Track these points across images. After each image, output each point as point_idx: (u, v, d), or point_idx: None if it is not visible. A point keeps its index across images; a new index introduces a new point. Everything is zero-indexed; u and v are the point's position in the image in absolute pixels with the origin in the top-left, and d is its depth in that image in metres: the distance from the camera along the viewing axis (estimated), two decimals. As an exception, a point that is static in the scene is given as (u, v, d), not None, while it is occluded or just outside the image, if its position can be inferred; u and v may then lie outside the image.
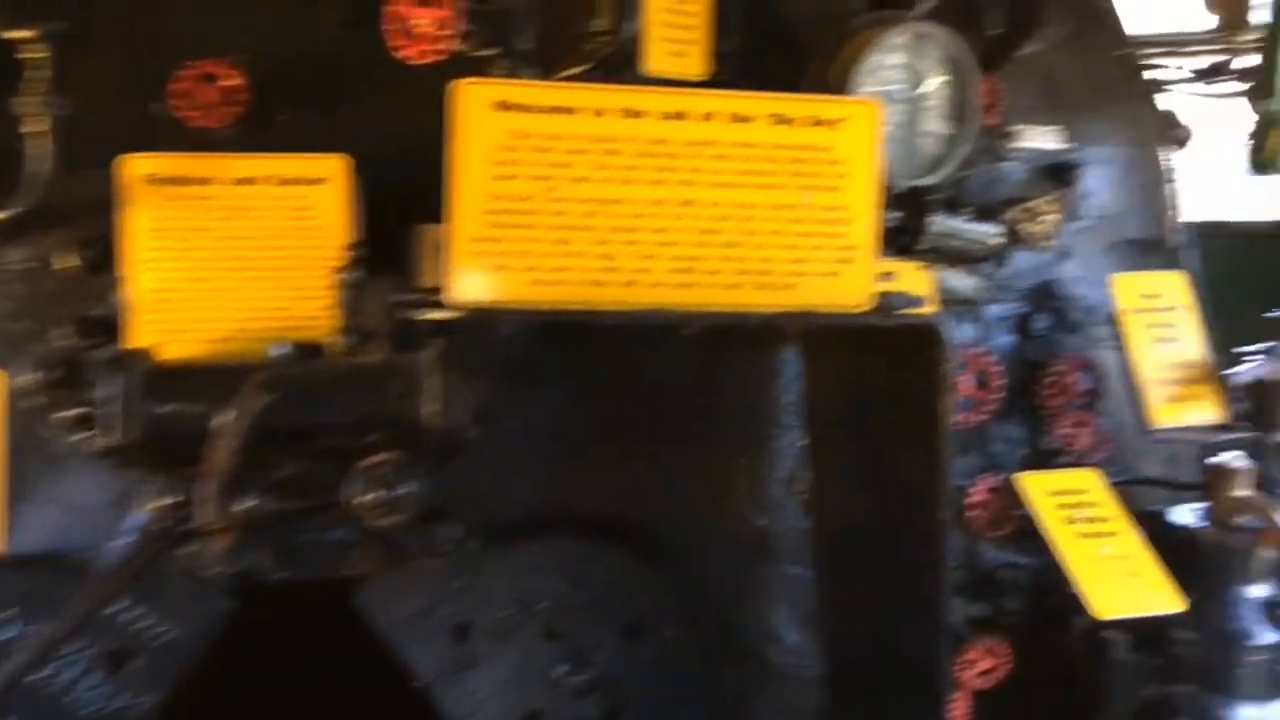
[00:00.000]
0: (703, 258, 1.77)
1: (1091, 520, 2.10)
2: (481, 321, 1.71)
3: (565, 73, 1.92)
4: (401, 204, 1.84)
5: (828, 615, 2.24)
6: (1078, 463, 2.28)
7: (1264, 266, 3.02)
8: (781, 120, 1.77)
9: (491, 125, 1.65)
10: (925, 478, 1.92)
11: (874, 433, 2.09)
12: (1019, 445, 2.38)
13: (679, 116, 1.74)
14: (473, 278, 1.68)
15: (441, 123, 1.66)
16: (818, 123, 1.79)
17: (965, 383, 2.25)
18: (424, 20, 1.84)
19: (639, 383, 2.12)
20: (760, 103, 1.77)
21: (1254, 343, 2.41)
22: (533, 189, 1.69)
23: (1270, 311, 2.46)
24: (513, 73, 1.82)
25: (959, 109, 2.17)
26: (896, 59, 2.12)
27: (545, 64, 1.89)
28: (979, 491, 2.25)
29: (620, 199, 1.73)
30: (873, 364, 2.04)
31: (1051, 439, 2.34)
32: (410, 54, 1.90)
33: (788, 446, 2.25)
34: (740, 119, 1.76)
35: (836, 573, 2.24)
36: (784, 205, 1.79)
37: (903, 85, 2.13)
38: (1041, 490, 2.13)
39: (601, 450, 2.12)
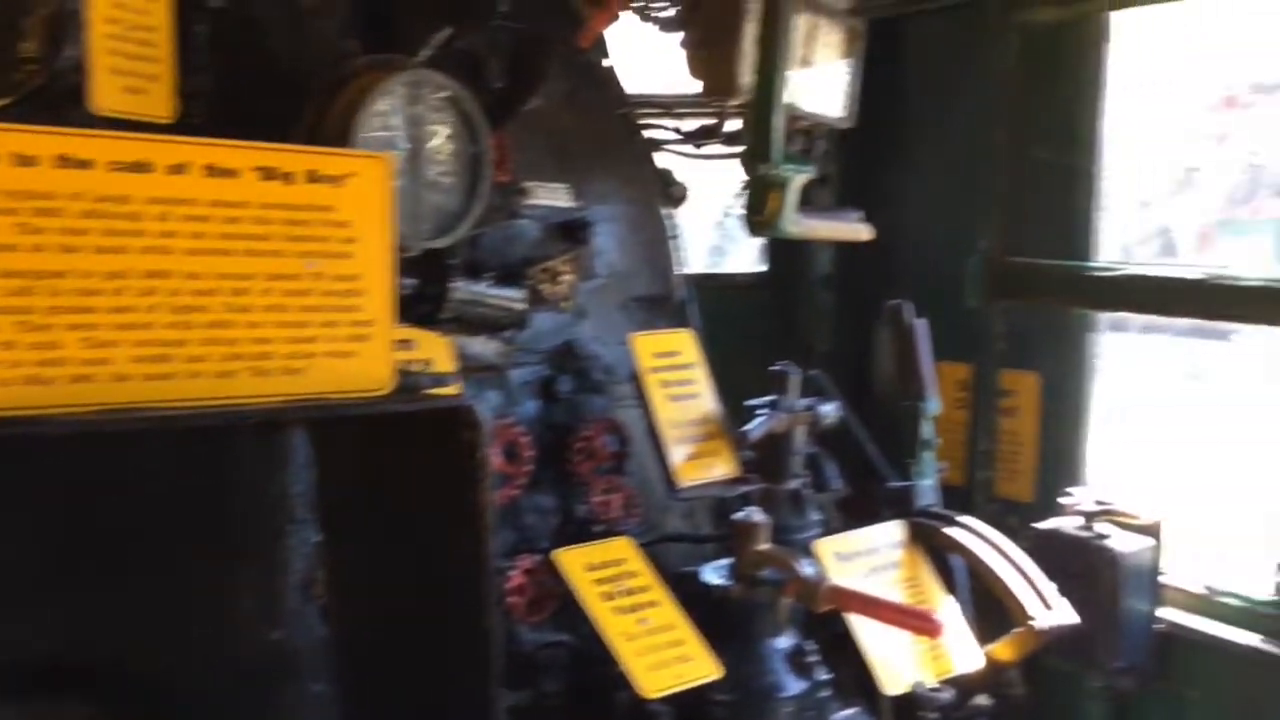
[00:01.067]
0: (181, 341, 1.43)
1: (630, 592, 2.03)
2: None
3: (-21, 107, 1.49)
4: None
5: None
6: (611, 530, 2.22)
7: (750, 315, 3.22)
8: (273, 175, 1.49)
9: None
10: (465, 570, 1.72)
11: (401, 523, 1.85)
12: (552, 517, 2.28)
13: (141, 168, 1.40)
14: None
15: None
16: (317, 179, 1.53)
17: (495, 457, 2.09)
18: None
19: (106, 492, 1.71)
20: (246, 153, 1.47)
21: (749, 393, 2.50)
22: (-70, 260, 1.26)
23: (758, 356, 2.58)
24: (-108, 104, 1.36)
25: (469, 165, 2.02)
26: (399, 109, 1.93)
27: (-54, 94, 1.44)
28: (517, 575, 2.10)
29: (63, 271, 1.35)
30: (396, 447, 1.81)
31: (585, 507, 2.26)
32: None
33: (300, 546, 1.95)
34: (221, 172, 1.45)
35: (366, 683, 1.96)
36: (283, 275, 1.50)
37: (406, 138, 1.94)
38: (579, 566, 2.02)
39: (58, 582, 1.68)
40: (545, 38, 2.34)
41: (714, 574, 2.16)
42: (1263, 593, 2.40)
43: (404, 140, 1.94)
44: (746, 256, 3.65)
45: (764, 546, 2.09)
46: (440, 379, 1.70)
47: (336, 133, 1.84)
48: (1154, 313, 2.86)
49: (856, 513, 2.62)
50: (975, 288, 2.88)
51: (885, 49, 3.06)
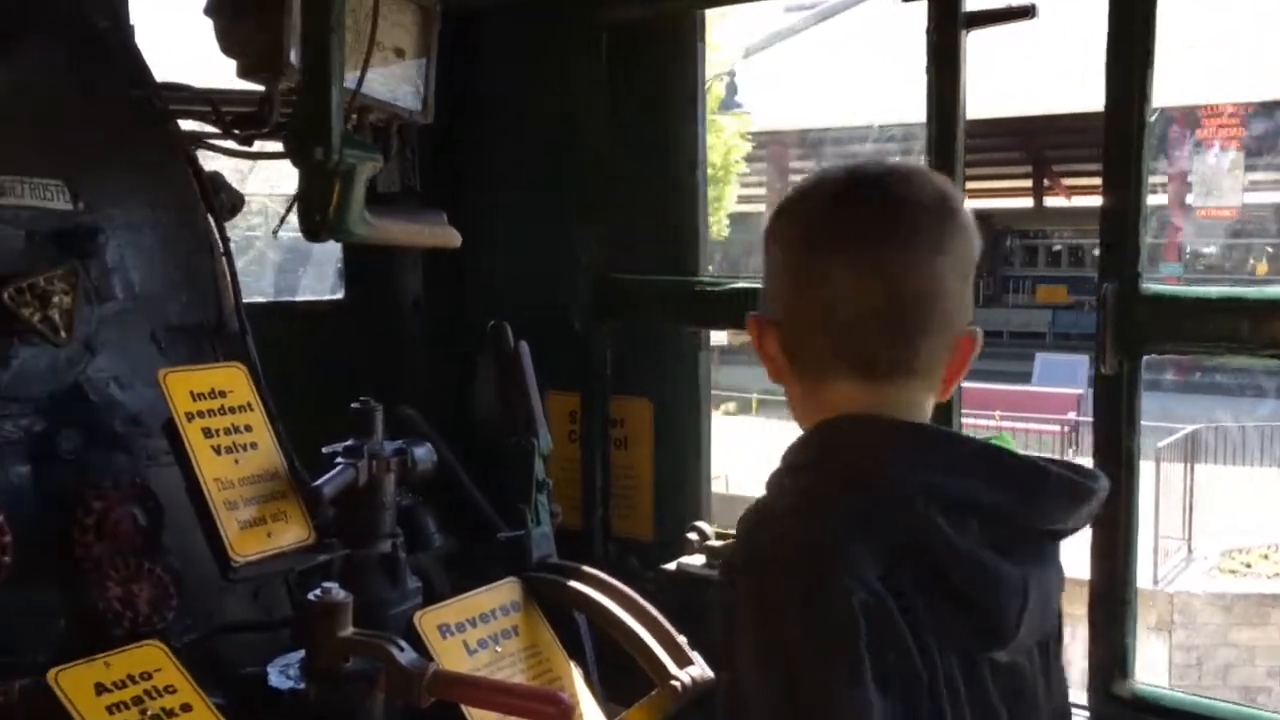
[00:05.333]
0: None
1: (171, 715, 1.49)
2: None
3: None
4: None
5: None
6: (139, 630, 1.66)
7: (329, 350, 2.74)
8: None
9: None
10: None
11: None
12: (53, 621, 1.68)
13: None
14: None
15: None
16: None
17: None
18: None
19: None
20: None
21: (330, 437, 2.04)
22: None
23: (341, 399, 2.12)
24: None
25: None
26: None
27: None
28: (-10, 713, 1.49)
29: None
30: None
31: (100, 604, 1.68)
32: None
33: None
34: None
35: None
36: None
37: None
38: (86, 688, 1.46)
39: None
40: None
41: (281, 675, 1.67)
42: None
43: None
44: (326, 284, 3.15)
45: (347, 632, 1.63)
46: None
47: None
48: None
49: (467, 572, 2.23)
50: (581, 308, 2.61)
51: (467, 49, 2.74)
